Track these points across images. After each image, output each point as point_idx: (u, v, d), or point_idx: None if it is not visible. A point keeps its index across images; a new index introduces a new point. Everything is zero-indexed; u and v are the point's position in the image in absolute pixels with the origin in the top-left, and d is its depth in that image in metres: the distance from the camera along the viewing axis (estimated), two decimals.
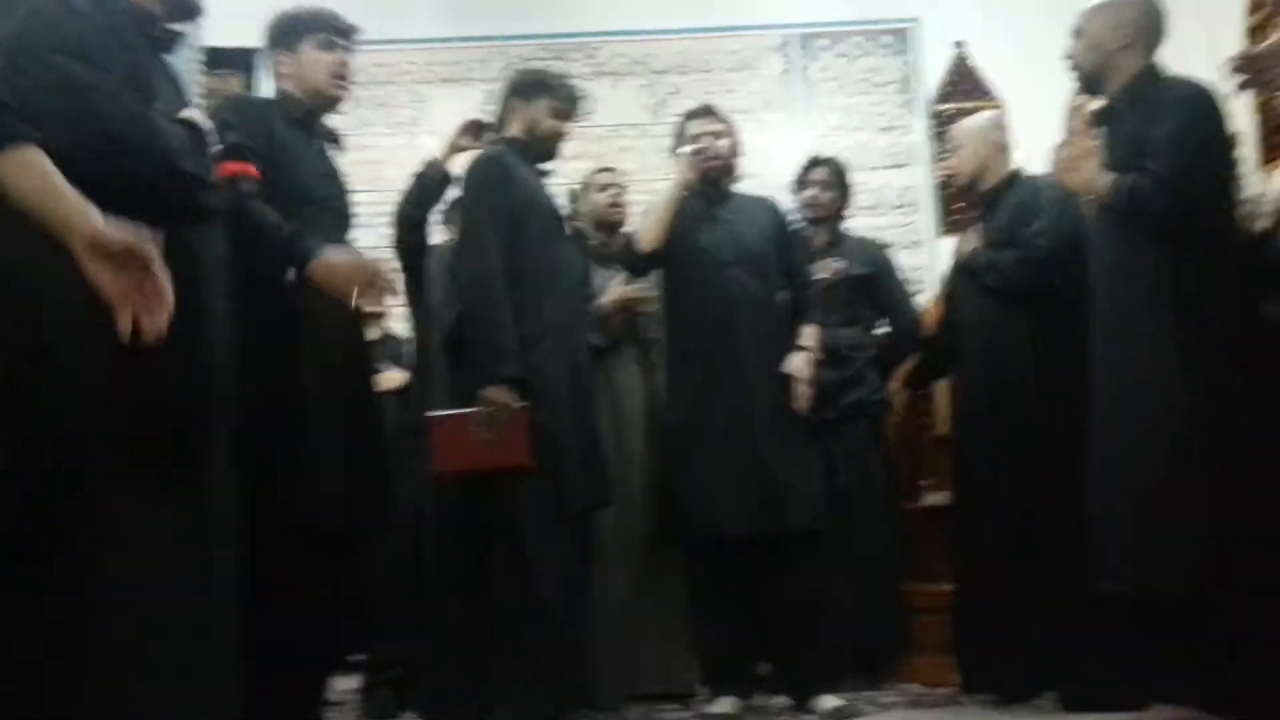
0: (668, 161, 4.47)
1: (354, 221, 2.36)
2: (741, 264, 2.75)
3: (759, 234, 2.81)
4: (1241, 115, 3.46)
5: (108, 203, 1.36)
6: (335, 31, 2.27)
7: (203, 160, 1.67)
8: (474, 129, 2.74)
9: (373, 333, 3.76)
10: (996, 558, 2.61)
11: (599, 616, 2.83)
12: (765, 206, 2.95)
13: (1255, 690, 1.89)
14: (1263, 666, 1.88)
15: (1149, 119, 2.12)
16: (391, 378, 3.26)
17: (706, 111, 2.93)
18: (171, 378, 1.52)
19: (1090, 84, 2.32)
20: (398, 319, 3.75)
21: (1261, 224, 2.53)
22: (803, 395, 2.69)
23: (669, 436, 2.80)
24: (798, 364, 2.72)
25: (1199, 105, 2.09)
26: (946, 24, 4.54)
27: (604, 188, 3.19)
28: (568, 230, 2.62)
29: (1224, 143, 2.11)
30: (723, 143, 2.85)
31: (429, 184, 2.79)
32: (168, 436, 1.54)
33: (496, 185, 2.40)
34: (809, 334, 2.80)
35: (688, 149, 2.81)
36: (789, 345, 2.78)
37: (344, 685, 3.18)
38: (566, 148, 4.45)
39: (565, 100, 2.57)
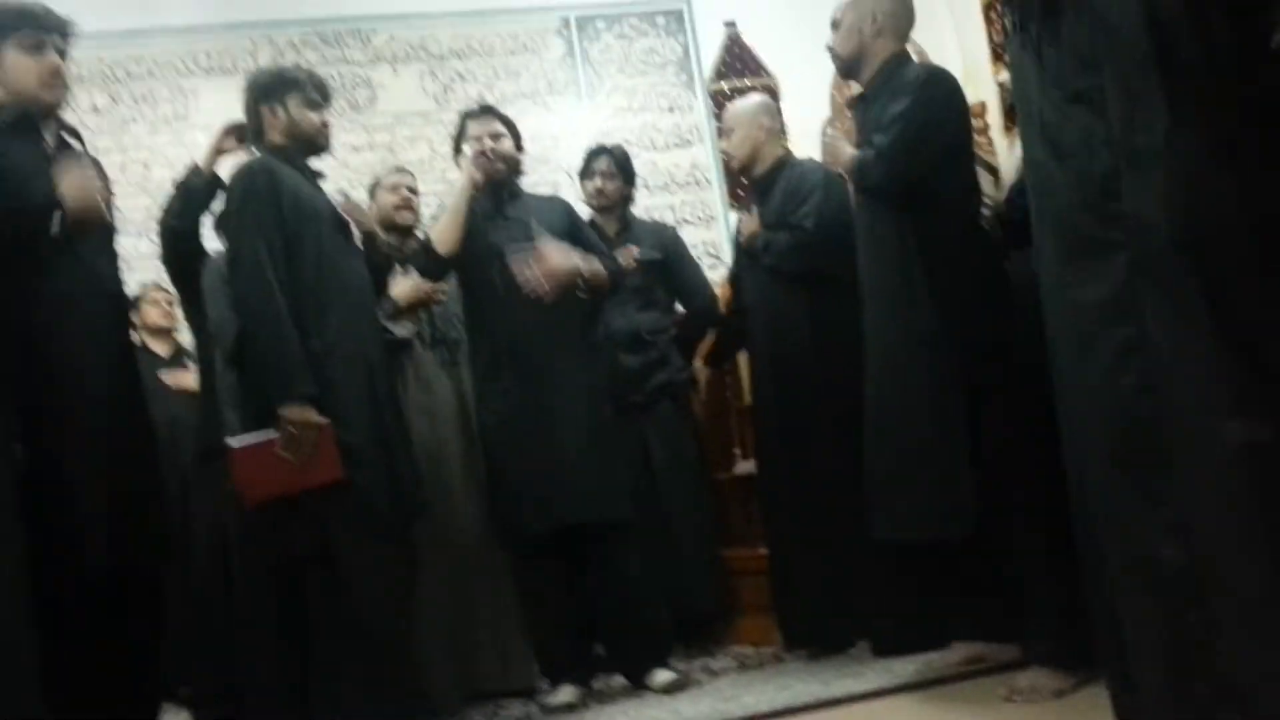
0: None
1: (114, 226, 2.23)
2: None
3: (550, 229, 2.83)
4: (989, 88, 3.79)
5: None
6: (42, 29, 2.12)
7: None
8: (236, 130, 2.61)
9: (164, 347, 3.57)
10: (799, 519, 2.80)
11: (428, 620, 2.83)
12: (554, 204, 3.01)
13: (1030, 621, 2.14)
14: (1031, 596, 2.13)
15: (891, 101, 2.31)
16: (185, 376, 3.11)
17: (485, 111, 2.94)
18: None
19: (848, 70, 2.50)
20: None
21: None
22: (531, 280, 2.67)
23: (483, 439, 2.81)
24: (549, 249, 2.71)
25: (929, 84, 2.31)
26: (718, 4, 4.70)
27: (394, 188, 3.13)
28: (351, 233, 2.54)
29: (954, 117, 2.32)
30: (504, 143, 2.87)
31: (193, 193, 2.65)
32: None
33: (264, 197, 2.30)
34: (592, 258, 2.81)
35: (470, 152, 2.82)
36: (588, 337, 2.85)
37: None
38: (350, 139, 4.39)
39: (315, 89, 2.47)
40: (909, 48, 2.55)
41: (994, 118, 4.10)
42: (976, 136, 3.96)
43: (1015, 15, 1.49)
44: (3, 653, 1.57)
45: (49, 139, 2.16)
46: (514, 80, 4.58)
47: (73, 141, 2.22)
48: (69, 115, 2.29)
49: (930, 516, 2.24)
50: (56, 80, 2.12)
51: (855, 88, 2.59)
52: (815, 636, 2.83)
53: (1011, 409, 2.18)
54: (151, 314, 3.52)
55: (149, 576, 2.18)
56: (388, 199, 3.11)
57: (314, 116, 2.47)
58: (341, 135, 4.37)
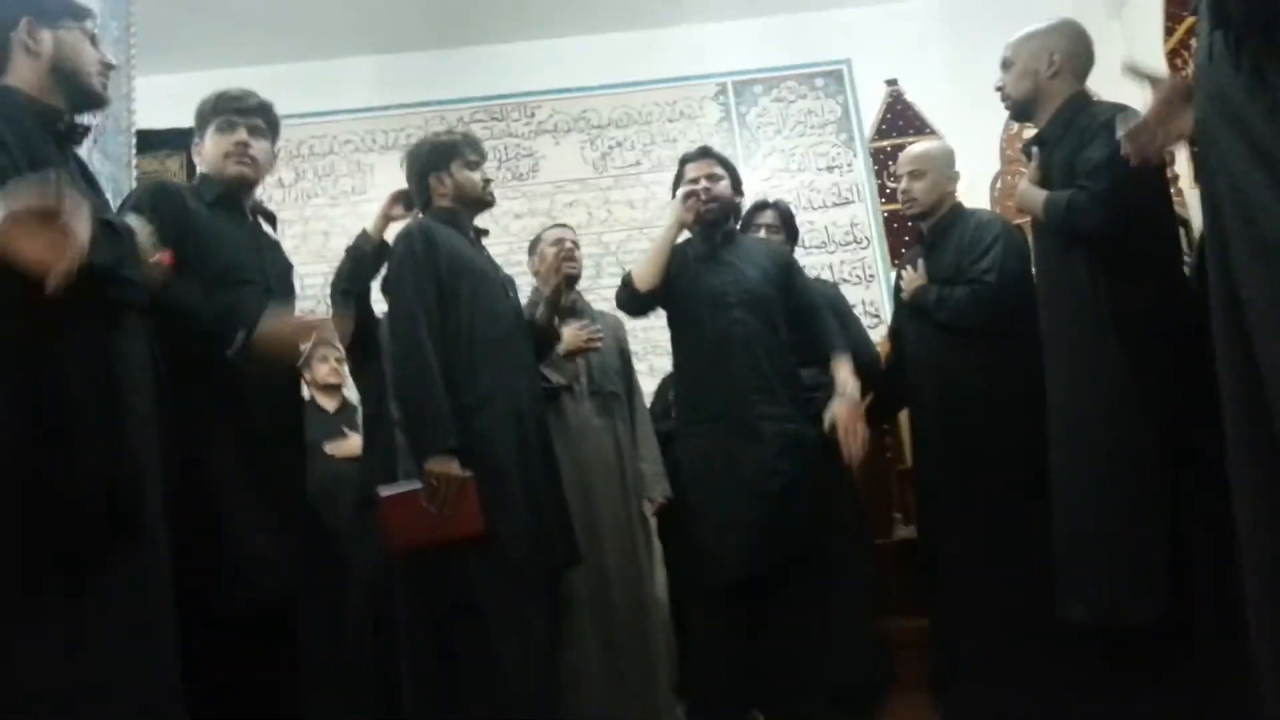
0: (613, 213, 4.58)
1: (293, 296, 2.34)
2: (744, 305, 2.74)
3: (762, 276, 2.80)
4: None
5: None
6: (234, 111, 2.28)
7: (119, 255, 1.64)
8: (403, 197, 2.72)
9: (332, 403, 3.72)
10: (964, 591, 2.59)
11: (581, 676, 2.77)
12: (771, 249, 2.97)
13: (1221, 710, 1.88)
14: (1221, 698, 1.86)
15: (1081, 143, 2.15)
16: (348, 444, 3.20)
17: (704, 154, 2.93)
18: (84, 476, 1.50)
19: (1021, 112, 2.36)
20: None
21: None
22: (851, 448, 2.60)
23: (681, 482, 2.77)
24: (840, 412, 2.61)
25: None
26: (878, 63, 4.65)
27: (556, 241, 3.17)
28: (512, 289, 2.58)
29: (1157, 163, 2.14)
30: (720, 185, 2.85)
31: (361, 257, 2.76)
32: (78, 536, 1.50)
33: (420, 256, 2.37)
34: (843, 371, 2.70)
35: (683, 190, 2.82)
36: (793, 385, 2.77)
37: None
38: (513, 206, 4.55)
39: (471, 149, 2.56)
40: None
41: (1182, 168, 3.83)
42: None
43: (1231, 34, 1.36)
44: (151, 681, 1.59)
45: (248, 214, 2.31)
46: (671, 146, 4.63)
47: (265, 224, 2.36)
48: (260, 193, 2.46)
49: (1122, 599, 2.01)
50: (241, 153, 2.26)
51: (1029, 131, 2.45)
52: (976, 716, 2.58)
53: (1213, 478, 1.95)
54: (320, 370, 3.68)
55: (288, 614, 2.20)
56: (549, 251, 3.16)
57: (476, 176, 2.55)
58: (504, 203, 4.56)
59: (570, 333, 2.91)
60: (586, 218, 4.54)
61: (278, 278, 2.30)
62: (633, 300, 2.83)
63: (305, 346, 2.17)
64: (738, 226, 2.96)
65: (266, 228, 2.37)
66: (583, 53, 4.67)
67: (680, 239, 2.87)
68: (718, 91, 4.74)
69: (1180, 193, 3.85)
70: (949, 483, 2.66)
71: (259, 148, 2.29)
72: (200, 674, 1.89)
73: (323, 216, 4.48)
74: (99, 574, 1.56)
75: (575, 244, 3.17)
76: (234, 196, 2.26)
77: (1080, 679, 2.29)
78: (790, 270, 2.89)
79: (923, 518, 2.83)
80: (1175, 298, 2.06)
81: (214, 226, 2.17)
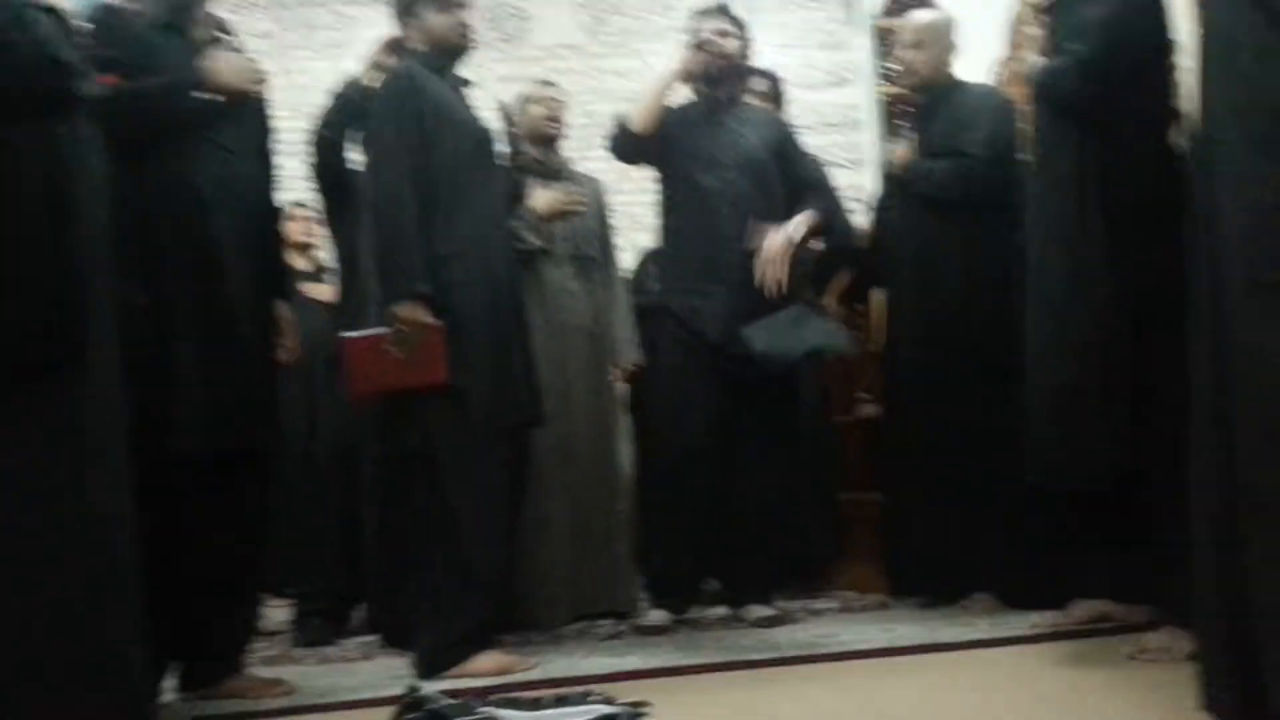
0: (604, 83, 4.45)
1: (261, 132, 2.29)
2: (739, 168, 2.70)
3: (761, 143, 2.76)
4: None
5: None
6: None
7: (73, 48, 1.60)
8: (395, 46, 2.63)
9: (305, 263, 3.69)
10: (923, 465, 2.63)
11: (541, 536, 2.82)
12: (771, 118, 2.91)
13: (1163, 581, 1.92)
14: (1169, 558, 1.90)
15: (1087, 4, 2.06)
16: (322, 288, 3.18)
17: (720, 11, 2.84)
18: (25, 285, 1.49)
19: None
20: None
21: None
22: (766, 275, 2.60)
23: (653, 337, 2.78)
24: (772, 238, 2.62)
25: None
26: None
27: (541, 101, 3.09)
28: (494, 144, 2.52)
29: (1158, 27, 2.06)
30: (731, 43, 2.77)
31: (347, 104, 2.69)
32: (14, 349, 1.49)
33: (405, 100, 2.31)
34: (799, 218, 2.69)
35: (694, 39, 2.75)
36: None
37: (280, 616, 3.18)
38: (501, 69, 4.41)
39: None
40: None
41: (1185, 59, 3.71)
42: None
43: None
44: (102, 527, 1.61)
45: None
46: (666, 14, 4.47)
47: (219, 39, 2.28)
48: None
49: (1083, 464, 2.03)
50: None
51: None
52: (926, 585, 2.65)
53: (1179, 351, 1.93)
54: (293, 230, 3.63)
55: (256, 461, 2.21)
56: (536, 111, 3.07)
57: (446, 19, 2.44)
58: (491, 65, 4.43)
59: (552, 195, 2.87)
60: (578, 87, 4.41)
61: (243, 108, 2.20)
62: (625, 142, 2.76)
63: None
64: (742, 91, 2.87)
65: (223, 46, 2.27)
66: None
67: (683, 99, 2.79)
68: None
69: (1179, 84, 3.75)
70: (919, 358, 2.67)
71: None
72: (158, 510, 1.93)
73: (304, 69, 4.35)
74: (37, 396, 1.55)
75: (561, 103, 3.09)
76: (183, 20, 2.16)
77: (1028, 541, 2.34)
78: (790, 141, 2.85)
79: (889, 392, 2.84)
80: (1162, 173, 2.01)
81: (160, 48, 2.09)
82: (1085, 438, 1.99)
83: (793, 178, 2.80)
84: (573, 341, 2.93)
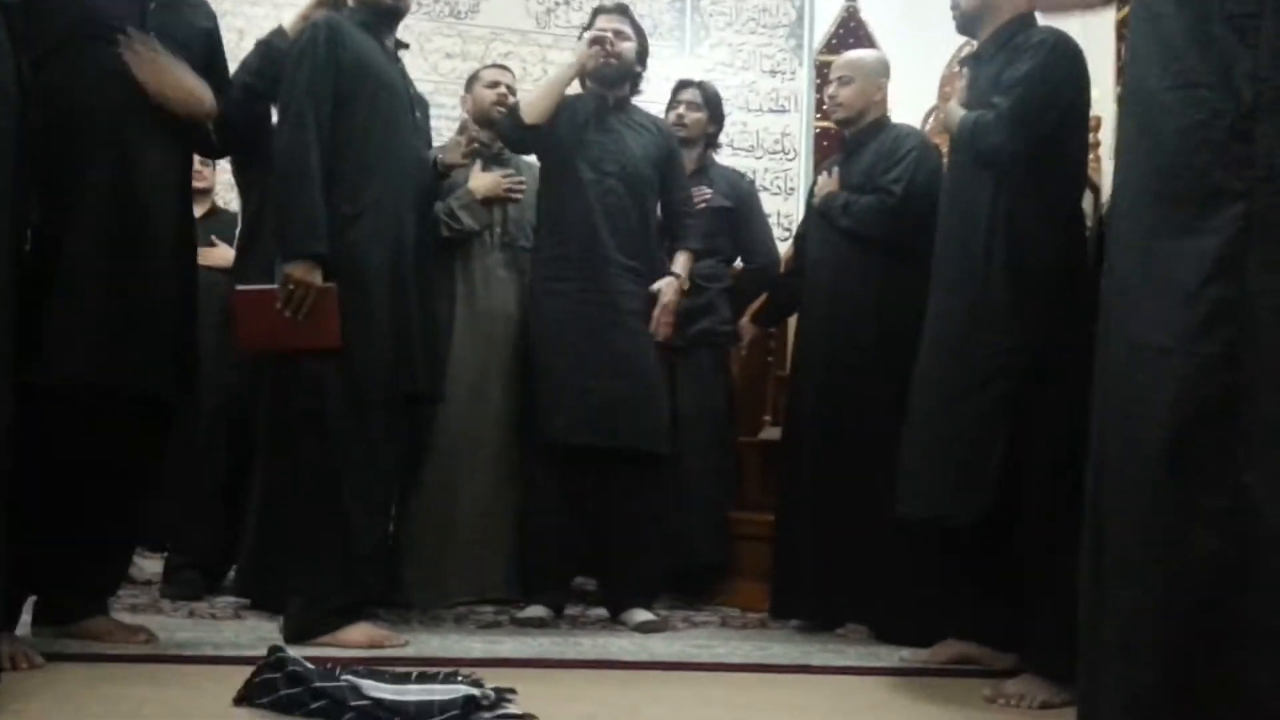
0: (548, 73, 4.41)
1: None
2: (619, 177, 2.72)
3: (643, 153, 2.77)
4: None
5: None
6: None
7: None
8: (328, 1, 2.55)
9: (199, 207, 3.55)
10: (812, 490, 2.67)
11: (423, 516, 2.78)
12: (658, 127, 2.92)
13: (1027, 628, 1.99)
14: (1034, 605, 1.97)
15: (1010, 61, 2.15)
16: (215, 253, 3.07)
17: (619, 10, 2.85)
18: None
19: (967, 25, 2.33)
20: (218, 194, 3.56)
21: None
22: (661, 321, 2.73)
23: (534, 336, 2.74)
24: (665, 289, 2.74)
25: (1056, 48, 2.13)
26: None
27: (492, 84, 3.05)
28: (417, 109, 2.47)
29: (1077, 88, 2.16)
30: (625, 45, 2.77)
31: (273, 53, 2.58)
32: None
33: (322, 53, 2.23)
34: (681, 261, 2.83)
35: (590, 35, 2.75)
36: (656, 266, 2.77)
37: (154, 568, 3.08)
38: (446, 45, 4.35)
39: None
40: None
41: (1106, 136, 3.89)
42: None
43: None
44: None
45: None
46: None
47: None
48: None
49: (948, 497, 2.09)
50: None
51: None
52: (806, 608, 2.70)
53: (1063, 404, 2.02)
54: None
55: (154, 409, 2.12)
56: (485, 94, 3.04)
57: None
58: (436, 39, 4.38)
59: (492, 178, 2.83)
60: (521, 72, 4.33)
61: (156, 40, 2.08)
62: (516, 132, 2.76)
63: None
64: (633, 97, 2.88)
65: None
66: None
67: (575, 91, 2.80)
68: None
69: (1099, 160, 3.93)
70: (822, 386, 2.71)
71: None
72: (42, 437, 1.84)
73: (240, 14, 4.21)
74: None
75: (511, 89, 3.06)
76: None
77: (903, 577, 2.40)
78: (672, 155, 2.88)
79: (789, 415, 2.89)
80: (1068, 227, 2.10)
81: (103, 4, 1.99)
82: (956, 475, 2.06)
83: (668, 194, 2.85)
84: (496, 328, 2.90)
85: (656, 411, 2.69)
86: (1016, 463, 1.99)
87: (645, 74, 2.90)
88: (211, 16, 2.30)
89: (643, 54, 2.85)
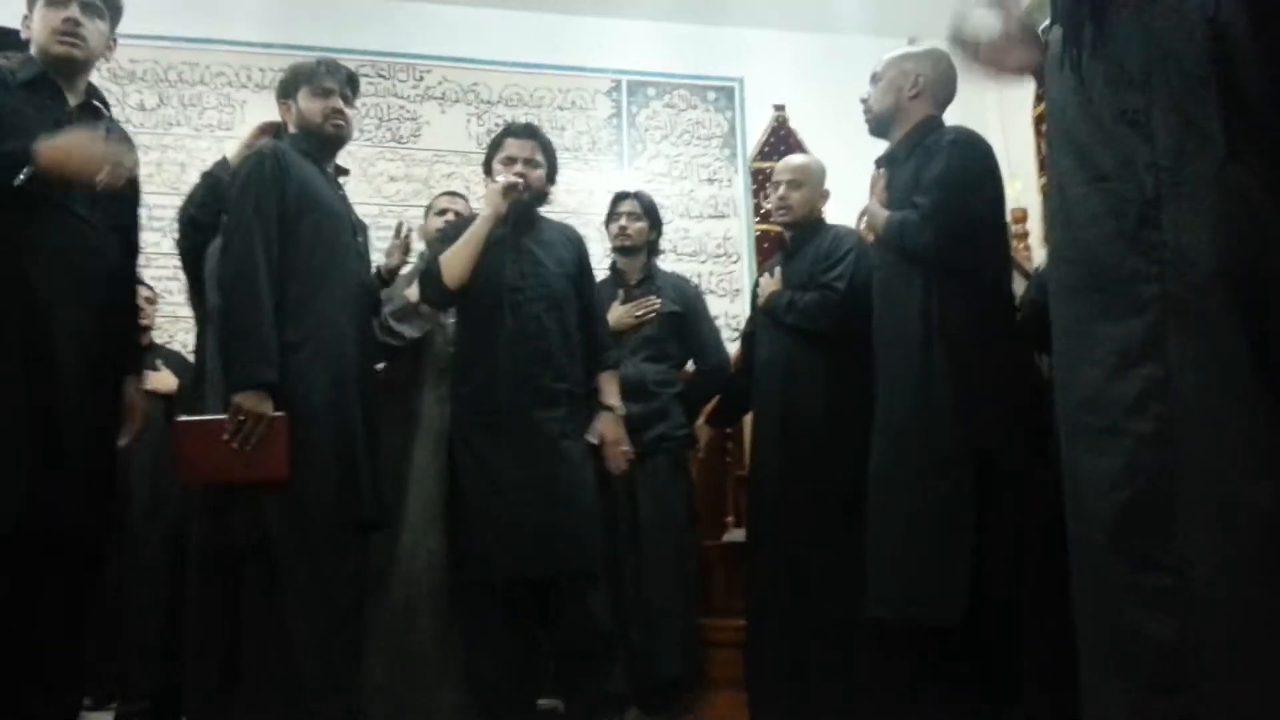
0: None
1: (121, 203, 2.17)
2: (541, 300, 2.66)
3: (560, 269, 2.73)
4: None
5: None
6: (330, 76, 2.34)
7: None
8: (270, 130, 2.60)
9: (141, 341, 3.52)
10: (782, 593, 2.64)
11: (378, 649, 2.68)
12: (567, 237, 2.86)
13: (1020, 715, 1.96)
14: (1007, 699, 1.95)
15: (925, 162, 2.25)
16: (160, 378, 3.03)
17: (529, 133, 2.81)
18: None
19: (879, 127, 2.45)
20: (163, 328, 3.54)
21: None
22: (612, 456, 2.71)
23: (452, 473, 2.66)
24: (605, 429, 2.70)
25: (966, 145, 2.24)
26: (769, 85, 4.75)
27: (442, 212, 3.11)
28: (359, 235, 2.49)
29: (990, 180, 2.26)
30: (537, 173, 2.75)
31: (216, 185, 2.61)
32: None
33: (268, 180, 2.25)
34: (610, 388, 2.78)
35: (502, 180, 2.67)
36: (583, 384, 2.73)
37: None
38: (389, 168, 4.42)
39: (325, 76, 2.43)
40: None
41: (1034, 226, 4.05)
42: (1015, 242, 3.91)
43: (1062, 31, 1.42)
44: None
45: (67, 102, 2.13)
46: (559, 134, 4.59)
47: (99, 112, 2.18)
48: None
49: (922, 600, 2.09)
50: (71, 30, 2.08)
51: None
52: (786, 716, 2.63)
53: (1022, 494, 2.05)
54: None
55: (81, 551, 2.05)
56: (435, 222, 3.10)
57: (320, 105, 2.42)
58: (380, 164, 4.45)
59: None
60: (465, 190, 4.41)
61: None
62: (440, 295, 2.68)
63: (104, 171, 1.93)
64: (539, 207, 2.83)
65: (101, 126, 2.17)
66: (482, 24, 4.60)
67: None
68: (611, 87, 4.75)
69: (1029, 248, 4.07)
70: (780, 485, 2.71)
71: (91, 28, 2.11)
72: None
73: (182, 147, 4.24)
74: None
75: (460, 215, 3.09)
76: (54, 81, 2.08)
77: (884, 681, 2.37)
78: (583, 264, 2.83)
79: (751, 518, 2.88)
80: (1000, 314, 2.17)
81: (18, 111, 1.98)
82: (927, 573, 2.06)
83: (583, 303, 2.77)
84: (426, 458, 2.85)
85: (593, 533, 2.62)
86: (985, 555, 2.00)
87: (565, 183, 2.87)
88: (127, 137, 2.29)
89: (552, 172, 2.82)
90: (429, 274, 2.69)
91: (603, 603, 2.62)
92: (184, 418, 2.21)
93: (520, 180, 2.67)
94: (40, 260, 1.96)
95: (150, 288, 3.43)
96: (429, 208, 3.20)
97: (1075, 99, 1.35)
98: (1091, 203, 1.32)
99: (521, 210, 2.71)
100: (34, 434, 1.90)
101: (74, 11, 2.08)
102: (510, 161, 2.73)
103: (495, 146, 2.80)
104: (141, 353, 2.39)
